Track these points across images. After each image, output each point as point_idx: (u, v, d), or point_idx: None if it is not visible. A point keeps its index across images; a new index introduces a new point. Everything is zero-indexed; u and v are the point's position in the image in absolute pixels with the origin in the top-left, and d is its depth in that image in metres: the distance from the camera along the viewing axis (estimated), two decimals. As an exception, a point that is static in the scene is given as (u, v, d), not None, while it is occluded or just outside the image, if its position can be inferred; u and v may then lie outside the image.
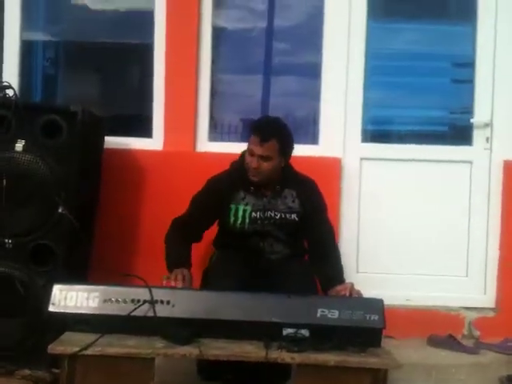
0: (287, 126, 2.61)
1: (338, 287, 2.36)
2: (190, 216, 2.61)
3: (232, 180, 2.60)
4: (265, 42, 3.52)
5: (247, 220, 2.56)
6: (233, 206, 2.57)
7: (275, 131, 2.52)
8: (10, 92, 2.63)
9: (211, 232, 2.71)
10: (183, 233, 2.57)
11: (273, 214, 2.58)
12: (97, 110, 2.84)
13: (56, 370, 2.09)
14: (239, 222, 2.56)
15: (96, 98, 3.62)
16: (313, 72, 3.37)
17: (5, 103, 2.55)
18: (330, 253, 2.57)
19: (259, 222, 2.57)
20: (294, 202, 2.61)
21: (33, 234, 2.50)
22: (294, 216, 2.59)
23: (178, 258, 2.48)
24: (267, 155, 2.49)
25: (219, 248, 2.71)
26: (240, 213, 2.56)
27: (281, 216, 2.58)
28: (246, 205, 2.57)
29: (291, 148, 2.60)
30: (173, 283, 2.30)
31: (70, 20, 3.55)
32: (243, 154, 2.63)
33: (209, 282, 2.52)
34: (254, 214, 2.56)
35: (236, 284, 2.34)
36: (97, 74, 3.67)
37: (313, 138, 3.38)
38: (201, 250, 2.82)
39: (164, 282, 2.32)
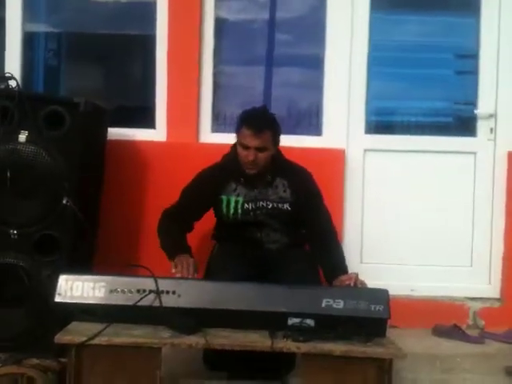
0: (273, 114, 2.61)
1: (343, 277, 2.35)
2: (180, 207, 2.61)
3: (223, 172, 2.60)
4: (267, 34, 3.50)
5: (239, 211, 2.56)
6: (224, 198, 2.57)
7: (267, 121, 2.53)
8: (12, 83, 2.61)
9: (210, 224, 2.72)
10: (175, 222, 2.57)
11: (264, 204, 2.57)
12: (100, 102, 2.84)
13: (63, 360, 2.09)
14: (232, 212, 2.57)
15: (98, 89, 3.61)
16: (316, 63, 3.36)
17: (8, 94, 2.54)
18: (330, 241, 2.56)
19: (251, 213, 2.57)
20: (285, 191, 2.60)
21: (38, 225, 2.50)
22: (286, 206, 2.58)
23: (176, 245, 2.49)
24: (263, 146, 2.47)
25: (219, 240, 2.71)
26: (232, 204, 2.57)
27: (273, 206, 2.57)
28: (238, 196, 2.57)
29: (280, 136, 2.59)
30: (179, 274, 2.30)
31: (71, 11, 3.53)
32: (234, 147, 2.61)
33: (211, 274, 2.52)
34: (246, 205, 2.56)
35: (237, 276, 2.33)
36: (99, 66, 3.66)
37: (316, 130, 3.38)
38: (201, 243, 2.83)
39: (173, 271, 2.32)
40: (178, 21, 3.24)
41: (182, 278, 2.27)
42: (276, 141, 2.55)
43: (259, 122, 2.48)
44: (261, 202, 2.57)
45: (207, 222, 2.70)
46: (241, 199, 2.56)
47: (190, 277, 2.30)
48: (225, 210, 2.57)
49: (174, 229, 2.56)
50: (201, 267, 2.57)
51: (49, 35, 3.64)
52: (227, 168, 2.60)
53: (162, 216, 2.62)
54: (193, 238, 2.65)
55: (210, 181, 2.59)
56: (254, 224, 2.59)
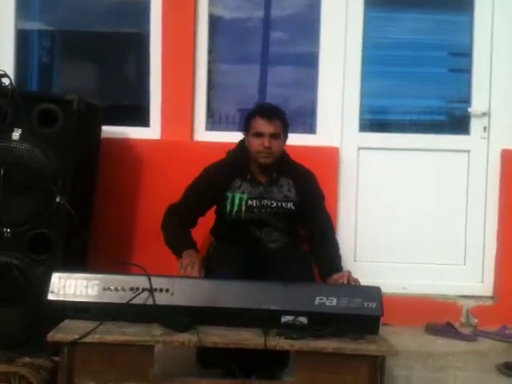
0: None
1: (336, 275, 2.38)
2: (185, 203, 2.63)
3: (228, 168, 2.61)
4: (262, 32, 3.50)
5: (243, 208, 2.57)
6: (229, 194, 2.58)
7: (278, 111, 2.58)
8: (5, 81, 2.61)
9: (209, 221, 2.72)
10: (180, 219, 2.59)
11: (269, 203, 2.58)
12: (93, 100, 2.84)
13: (56, 358, 2.08)
14: (235, 210, 2.57)
15: (92, 87, 3.61)
16: (310, 61, 3.36)
17: (1, 92, 2.54)
18: (329, 242, 2.58)
19: (255, 210, 2.57)
20: (290, 190, 2.62)
21: (31, 223, 2.49)
22: (290, 205, 2.60)
23: (181, 241, 2.51)
24: (277, 132, 2.53)
25: (217, 237, 2.71)
26: (236, 201, 2.57)
27: (277, 205, 2.59)
28: (243, 193, 2.58)
29: (288, 130, 2.63)
30: (188, 271, 2.32)
31: (65, 9, 3.52)
32: (240, 144, 2.64)
33: (207, 271, 2.52)
34: (250, 201, 2.57)
35: (234, 273, 2.34)
36: (93, 64, 3.65)
37: (310, 128, 3.38)
38: (199, 240, 2.82)
39: (181, 272, 2.33)
40: (172, 18, 3.23)
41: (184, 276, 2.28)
42: (285, 133, 2.59)
43: (272, 111, 2.55)
44: (265, 201, 2.58)
45: (205, 217, 2.69)
46: (245, 196, 2.57)
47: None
48: (229, 206, 2.57)
49: (179, 225, 2.57)
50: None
51: (42, 33, 3.63)
52: (233, 164, 2.61)
53: (166, 212, 2.63)
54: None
55: (216, 177, 2.60)
56: (256, 222, 2.59)
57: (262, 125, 2.51)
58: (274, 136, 2.52)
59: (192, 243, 2.53)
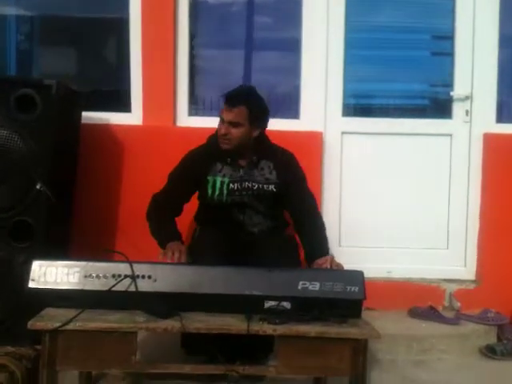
0: (259, 95, 2.60)
1: (319, 260, 2.38)
2: (168, 191, 2.62)
3: (208, 152, 2.60)
4: (245, 16, 3.46)
5: (225, 191, 2.56)
6: (210, 178, 2.57)
7: (244, 98, 2.52)
8: (-18, 67, 2.58)
9: (193, 208, 2.70)
10: (164, 207, 2.58)
11: (250, 185, 2.58)
12: (74, 85, 2.80)
13: (39, 347, 2.05)
14: (217, 193, 2.56)
15: (73, 73, 3.56)
16: (293, 46, 3.34)
17: (-22, 78, 2.51)
18: (313, 224, 2.59)
19: (237, 193, 2.57)
20: (271, 173, 2.61)
21: (11, 211, 2.47)
22: (271, 187, 2.59)
23: (167, 232, 2.50)
24: (236, 121, 2.49)
25: (201, 223, 2.71)
26: (218, 185, 2.56)
27: (258, 187, 2.58)
28: (224, 176, 2.57)
29: (263, 117, 2.59)
30: (169, 260, 2.30)
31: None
32: None
33: (192, 257, 2.51)
34: (231, 185, 2.57)
35: (219, 258, 2.34)
36: (73, 49, 3.60)
37: (294, 113, 3.36)
38: (184, 227, 2.81)
39: (161, 258, 2.31)
40: (152, 2, 3.18)
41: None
42: (255, 120, 2.53)
43: (235, 98, 2.50)
44: (246, 183, 2.58)
45: (189, 204, 2.68)
46: (226, 179, 2.56)
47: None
48: (210, 190, 2.57)
49: (164, 215, 2.56)
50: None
51: (20, 18, 3.56)
52: (213, 148, 2.59)
53: (150, 201, 2.62)
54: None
55: (196, 162, 2.59)
56: (238, 206, 2.58)
57: (224, 111, 2.51)
58: (232, 124, 2.49)
59: (177, 235, 2.52)
